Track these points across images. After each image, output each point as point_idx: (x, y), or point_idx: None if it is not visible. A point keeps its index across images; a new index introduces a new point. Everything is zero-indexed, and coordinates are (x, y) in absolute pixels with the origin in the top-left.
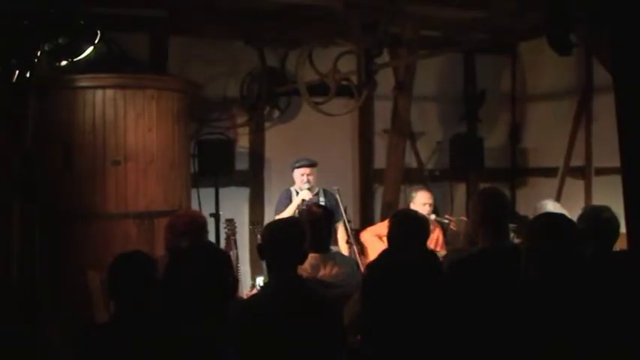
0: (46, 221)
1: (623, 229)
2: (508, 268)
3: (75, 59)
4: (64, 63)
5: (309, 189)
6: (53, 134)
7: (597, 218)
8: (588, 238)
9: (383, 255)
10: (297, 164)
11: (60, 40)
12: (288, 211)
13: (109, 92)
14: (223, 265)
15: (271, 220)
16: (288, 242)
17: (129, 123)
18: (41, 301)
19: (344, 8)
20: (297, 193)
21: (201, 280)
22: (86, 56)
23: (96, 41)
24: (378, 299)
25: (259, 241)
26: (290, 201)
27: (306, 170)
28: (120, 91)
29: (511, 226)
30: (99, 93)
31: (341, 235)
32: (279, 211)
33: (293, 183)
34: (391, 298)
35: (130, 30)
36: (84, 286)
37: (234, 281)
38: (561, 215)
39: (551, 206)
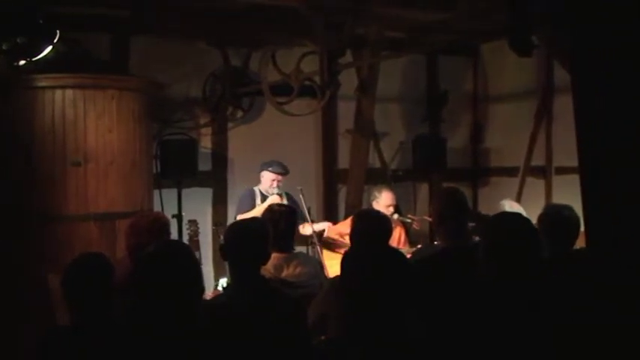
0: (5, 223)
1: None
2: (469, 267)
3: (33, 59)
4: (22, 62)
5: (278, 194)
6: (12, 135)
7: (556, 216)
8: (548, 237)
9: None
10: (272, 169)
11: (18, 40)
12: (254, 214)
13: (69, 92)
14: (193, 266)
15: (234, 220)
16: (251, 242)
17: (89, 123)
18: None
19: (307, 9)
20: (262, 193)
21: (170, 283)
22: (45, 56)
23: (55, 41)
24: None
25: (222, 242)
26: (253, 200)
27: (279, 177)
28: (80, 91)
29: (471, 225)
30: (58, 93)
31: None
32: (242, 210)
33: (256, 183)
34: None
35: (91, 29)
36: (45, 288)
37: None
38: (516, 214)
39: (507, 206)
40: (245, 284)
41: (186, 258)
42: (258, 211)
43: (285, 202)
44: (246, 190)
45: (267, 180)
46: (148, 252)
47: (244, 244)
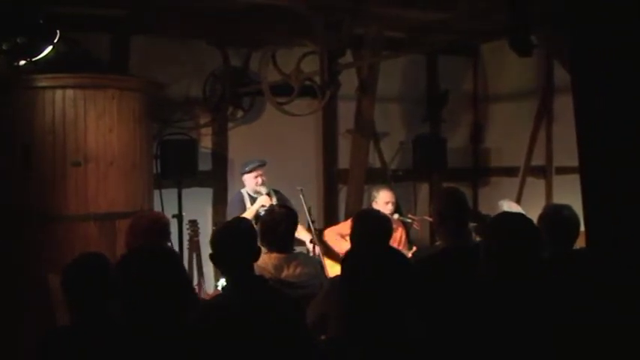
0: (5, 223)
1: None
2: (469, 267)
3: (33, 59)
4: (22, 62)
5: (267, 194)
6: (12, 135)
7: (556, 216)
8: (548, 237)
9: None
10: (248, 168)
11: (18, 40)
12: (246, 216)
13: (69, 92)
14: (170, 267)
15: None
16: (239, 242)
17: (89, 123)
18: None
19: (307, 9)
20: (249, 195)
21: (147, 282)
22: (45, 56)
23: (55, 41)
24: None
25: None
26: (243, 204)
27: (259, 171)
28: (80, 91)
29: (472, 225)
30: (58, 93)
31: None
32: (233, 215)
33: None
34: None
35: (91, 29)
36: (45, 288)
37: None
38: (517, 215)
39: (506, 206)
40: (240, 284)
41: (174, 259)
42: (249, 213)
43: (274, 201)
44: (235, 194)
45: (250, 180)
46: (138, 255)
47: (232, 245)
